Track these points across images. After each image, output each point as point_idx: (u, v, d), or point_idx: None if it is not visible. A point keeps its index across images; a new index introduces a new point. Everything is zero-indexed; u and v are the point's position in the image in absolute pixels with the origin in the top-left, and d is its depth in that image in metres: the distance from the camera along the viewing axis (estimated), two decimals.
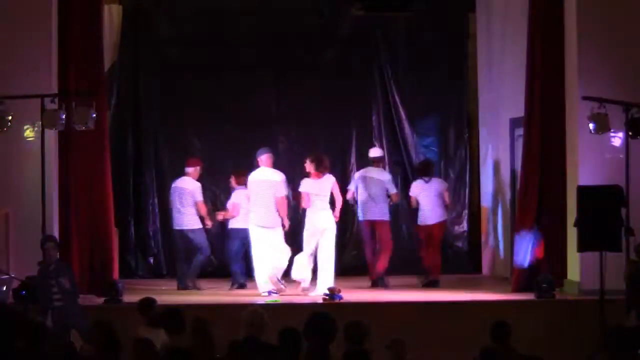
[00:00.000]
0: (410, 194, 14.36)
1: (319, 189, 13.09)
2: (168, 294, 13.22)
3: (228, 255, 14.12)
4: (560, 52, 12.86)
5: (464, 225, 16.03)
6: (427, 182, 14.29)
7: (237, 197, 13.95)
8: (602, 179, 11.83)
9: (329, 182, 13.16)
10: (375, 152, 14.49)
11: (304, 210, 13.27)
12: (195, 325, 7.71)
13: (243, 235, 13.65)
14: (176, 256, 14.26)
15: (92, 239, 12.91)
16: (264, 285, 13.03)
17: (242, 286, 13.87)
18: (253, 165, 13.52)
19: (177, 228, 14.03)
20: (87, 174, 12.92)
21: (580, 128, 12.32)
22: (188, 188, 13.94)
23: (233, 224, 14.03)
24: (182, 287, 13.85)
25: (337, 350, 7.17)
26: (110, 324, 7.48)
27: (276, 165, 13.53)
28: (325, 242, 13.09)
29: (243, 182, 13.74)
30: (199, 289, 13.81)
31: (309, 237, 13.16)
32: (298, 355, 7.17)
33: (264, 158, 13.33)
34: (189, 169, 14.07)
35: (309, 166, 13.15)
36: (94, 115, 11.83)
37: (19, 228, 12.32)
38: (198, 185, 14.01)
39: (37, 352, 7.28)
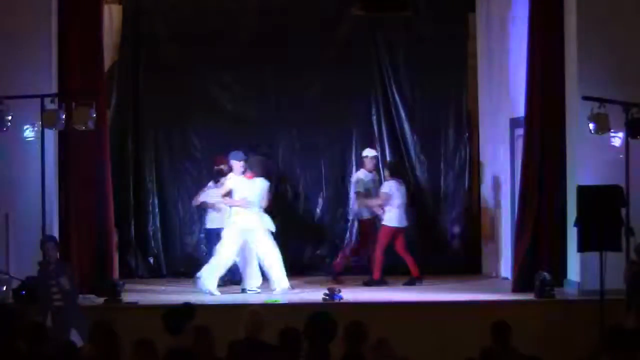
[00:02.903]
0: (387, 191, 14.18)
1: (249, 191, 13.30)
2: (169, 294, 13.23)
3: None
4: (560, 52, 12.86)
5: (464, 226, 16.00)
6: (400, 183, 14.32)
7: None
8: (602, 179, 11.82)
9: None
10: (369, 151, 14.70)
11: None
12: (196, 326, 7.71)
13: None
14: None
15: (92, 239, 12.91)
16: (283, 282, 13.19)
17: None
18: None
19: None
20: (87, 174, 12.93)
21: (580, 128, 12.31)
22: None
23: None
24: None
25: (337, 350, 7.17)
26: (110, 324, 7.48)
27: (276, 165, 13.59)
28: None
29: None
30: None
31: None
32: (298, 355, 7.17)
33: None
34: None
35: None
36: (94, 115, 11.83)
37: (19, 228, 12.31)
38: None
39: (37, 352, 7.28)
